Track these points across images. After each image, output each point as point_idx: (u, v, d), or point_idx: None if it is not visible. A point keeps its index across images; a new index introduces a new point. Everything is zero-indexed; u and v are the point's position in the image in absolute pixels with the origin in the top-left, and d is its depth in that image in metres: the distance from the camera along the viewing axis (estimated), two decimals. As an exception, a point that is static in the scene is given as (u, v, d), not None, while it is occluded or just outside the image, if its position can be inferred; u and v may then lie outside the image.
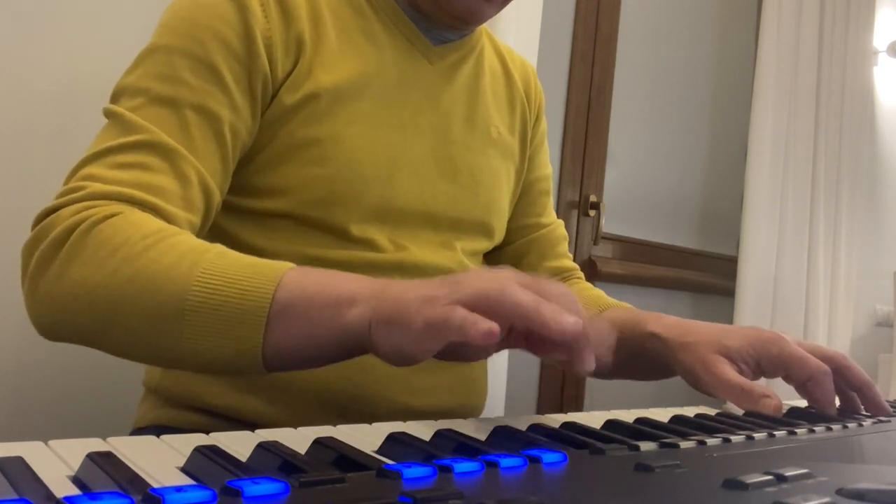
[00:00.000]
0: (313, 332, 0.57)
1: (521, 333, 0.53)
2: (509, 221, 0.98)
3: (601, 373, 0.90)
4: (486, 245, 0.92)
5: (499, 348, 0.56)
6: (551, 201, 1.06)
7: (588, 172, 2.16)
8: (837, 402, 0.76)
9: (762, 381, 0.78)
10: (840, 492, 0.35)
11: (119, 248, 0.61)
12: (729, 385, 0.73)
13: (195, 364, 0.61)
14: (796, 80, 2.51)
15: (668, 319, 0.83)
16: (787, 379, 0.75)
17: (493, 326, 0.48)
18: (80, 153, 0.72)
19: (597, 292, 0.99)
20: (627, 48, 2.25)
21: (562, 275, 1.02)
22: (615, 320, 0.88)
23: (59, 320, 0.65)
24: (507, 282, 0.52)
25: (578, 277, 1.04)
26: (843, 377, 0.75)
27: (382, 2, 0.84)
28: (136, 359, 0.76)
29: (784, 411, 0.70)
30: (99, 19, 1.09)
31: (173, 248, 0.61)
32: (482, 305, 0.50)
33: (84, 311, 0.62)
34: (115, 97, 0.74)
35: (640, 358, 0.84)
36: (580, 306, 0.53)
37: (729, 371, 0.74)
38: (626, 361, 0.86)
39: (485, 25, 0.95)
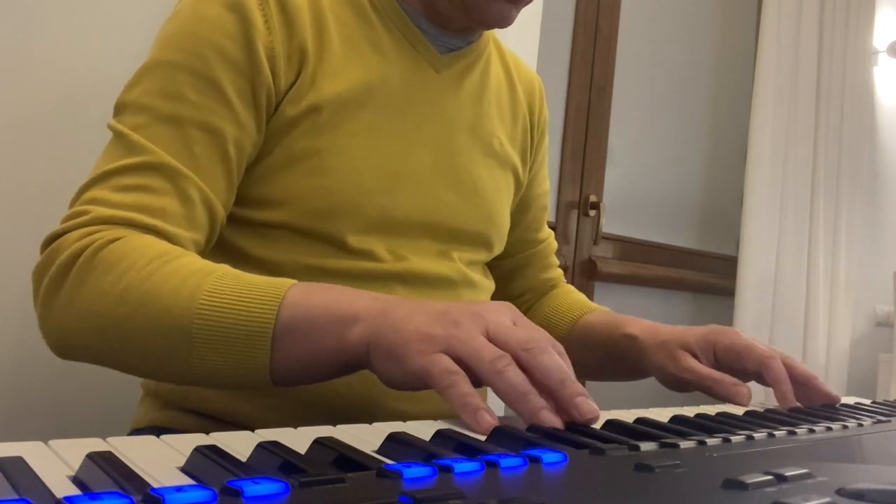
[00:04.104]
0: (316, 350, 0.59)
1: None
2: (511, 235, 0.98)
3: (580, 375, 0.98)
4: (484, 256, 0.92)
5: None
6: (547, 215, 1.09)
7: (588, 172, 2.16)
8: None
9: None
10: (840, 492, 0.35)
11: (124, 273, 0.63)
12: (700, 375, 0.81)
13: (205, 382, 0.63)
14: (796, 80, 2.51)
15: (643, 323, 0.91)
16: (743, 371, 0.83)
17: (494, 424, 0.50)
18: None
19: (579, 297, 1.06)
20: (627, 48, 2.25)
21: (551, 283, 1.08)
22: (595, 323, 0.97)
23: (71, 343, 0.67)
24: (502, 358, 0.53)
25: (563, 282, 1.11)
26: (788, 370, 0.80)
27: (389, 9, 0.83)
28: (148, 377, 0.78)
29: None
30: (101, 19, 1.09)
31: (177, 272, 0.62)
32: (475, 369, 0.53)
33: (94, 336, 0.64)
34: (118, 112, 0.74)
35: (616, 358, 0.93)
36: (572, 379, 0.54)
37: (696, 363, 0.83)
38: (604, 362, 0.96)
39: (492, 32, 0.95)
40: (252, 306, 0.59)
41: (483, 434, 0.49)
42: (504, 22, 0.83)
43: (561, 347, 0.57)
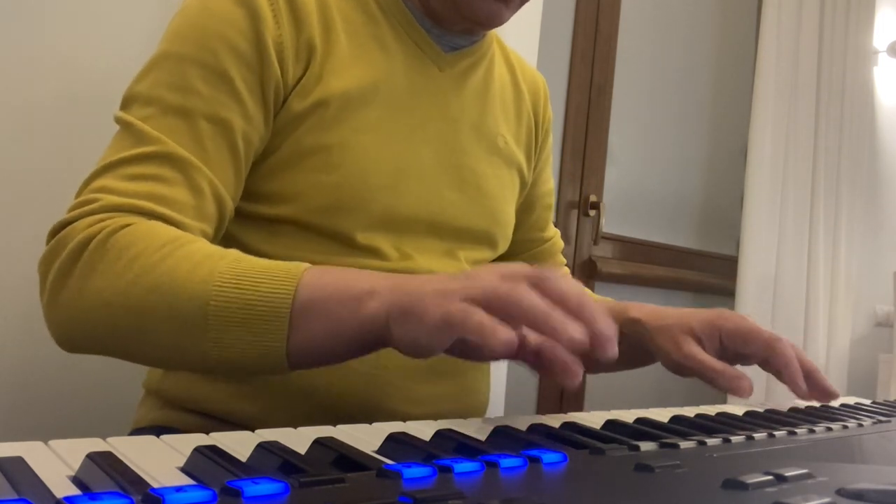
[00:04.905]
0: (334, 327, 0.58)
1: (532, 349, 0.54)
2: (515, 233, 0.98)
3: (596, 368, 0.95)
4: (489, 255, 0.92)
5: (508, 357, 0.57)
6: (552, 214, 1.08)
7: (588, 172, 2.16)
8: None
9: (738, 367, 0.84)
10: (840, 492, 0.35)
11: (136, 258, 0.62)
12: (702, 364, 0.80)
13: (219, 367, 0.62)
14: (796, 80, 2.51)
15: (646, 307, 0.90)
16: (750, 356, 0.82)
17: (512, 336, 0.49)
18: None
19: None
20: (627, 48, 2.25)
21: None
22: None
23: (80, 333, 0.65)
24: (519, 282, 0.52)
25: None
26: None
27: (394, 8, 0.84)
28: (160, 366, 0.77)
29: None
30: (104, 14, 1.09)
31: (191, 255, 0.62)
32: (495, 304, 0.51)
33: (105, 323, 0.63)
34: (126, 104, 0.73)
35: (623, 344, 0.89)
36: (590, 301, 0.53)
37: (699, 351, 0.81)
38: None
39: (496, 32, 0.95)
40: (269, 286, 0.59)
41: (502, 346, 0.49)
42: (495, 21, 0.83)
43: (579, 284, 0.56)
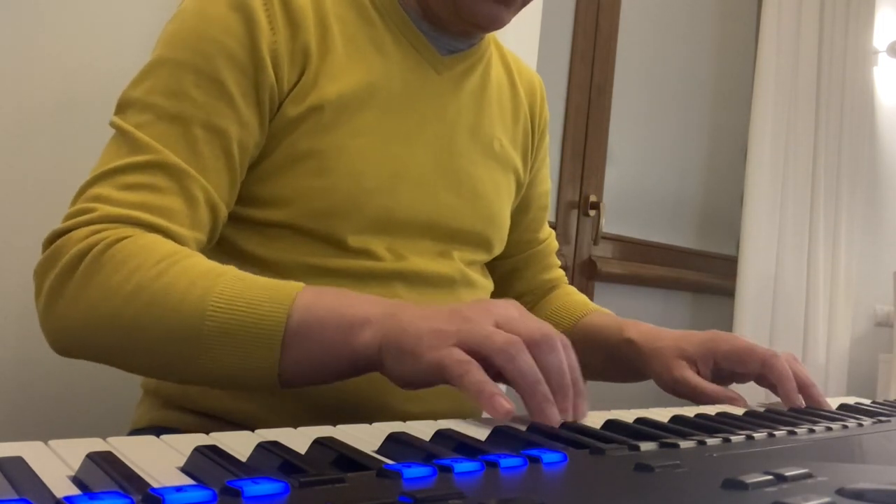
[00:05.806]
0: (326, 353, 0.60)
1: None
2: (510, 235, 0.98)
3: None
4: (484, 257, 0.92)
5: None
6: (548, 215, 1.08)
7: (588, 172, 2.16)
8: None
9: (734, 386, 0.85)
10: (840, 492, 0.35)
11: (133, 272, 0.63)
12: (695, 389, 0.82)
13: (211, 382, 0.64)
14: (796, 80, 2.51)
15: (642, 326, 0.91)
16: (746, 374, 0.83)
17: (511, 409, 0.52)
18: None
19: (580, 298, 1.06)
20: (627, 48, 2.25)
21: (552, 283, 1.07)
22: (596, 324, 0.96)
23: (74, 342, 0.67)
24: (514, 344, 0.54)
25: (564, 283, 1.10)
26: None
27: (391, 10, 0.83)
28: (152, 376, 0.79)
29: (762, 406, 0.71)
30: (101, 16, 1.09)
31: (187, 272, 0.63)
32: (485, 354, 0.54)
33: (100, 334, 0.64)
34: (121, 109, 0.74)
35: (616, 361, 0.93)
36: (577, 373, 0.57)
37: (692, 375, 0.83)
38: (604, 365, 0.95)
39: (493, 34, 0.94)
40: (263, 309, 0.60)
41: (501, 419, 0.51)
42: (496, 23, 0.83)
43: (567, 341, 0.58)
